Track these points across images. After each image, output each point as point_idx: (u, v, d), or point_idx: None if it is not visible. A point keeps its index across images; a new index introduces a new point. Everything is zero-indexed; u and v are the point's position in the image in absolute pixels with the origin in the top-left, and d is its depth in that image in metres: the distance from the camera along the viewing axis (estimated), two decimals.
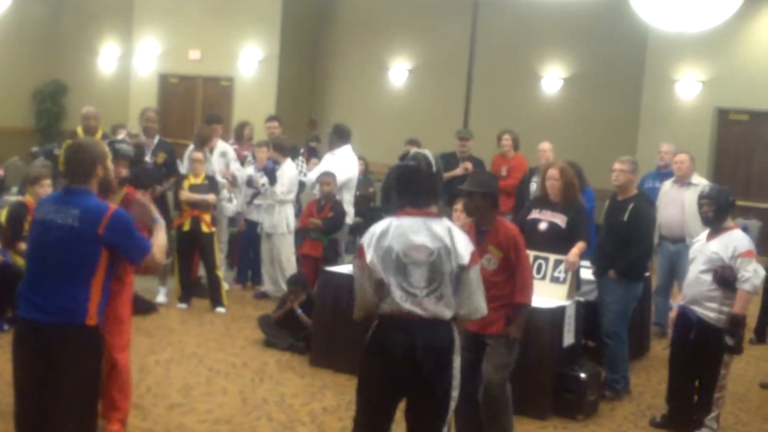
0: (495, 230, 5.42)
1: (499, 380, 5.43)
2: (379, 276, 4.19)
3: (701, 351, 6.08)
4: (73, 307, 4.04)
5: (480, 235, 5.44)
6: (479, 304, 4.27)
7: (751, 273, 5.85)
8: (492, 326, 5.38)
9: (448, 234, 4.20)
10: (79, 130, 9.50)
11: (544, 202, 7.02)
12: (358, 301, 4.34)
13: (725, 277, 5.89)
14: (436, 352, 4.15)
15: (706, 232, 6.18)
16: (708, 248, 6.04)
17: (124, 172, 5.61)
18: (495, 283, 5.32)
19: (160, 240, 4.42)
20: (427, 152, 4.35)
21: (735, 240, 5.97)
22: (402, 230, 4.20)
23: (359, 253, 4.27)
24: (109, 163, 4.32)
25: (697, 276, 6.08)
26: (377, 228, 4.28)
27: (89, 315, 4.07)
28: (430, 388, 4.17)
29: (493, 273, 5.36)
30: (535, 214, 7.01)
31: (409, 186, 4.26)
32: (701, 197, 6.19)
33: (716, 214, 6.05)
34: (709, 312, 6.00)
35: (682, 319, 6.23)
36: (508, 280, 5.42)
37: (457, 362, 4.22)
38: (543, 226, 6.89)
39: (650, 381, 7.43)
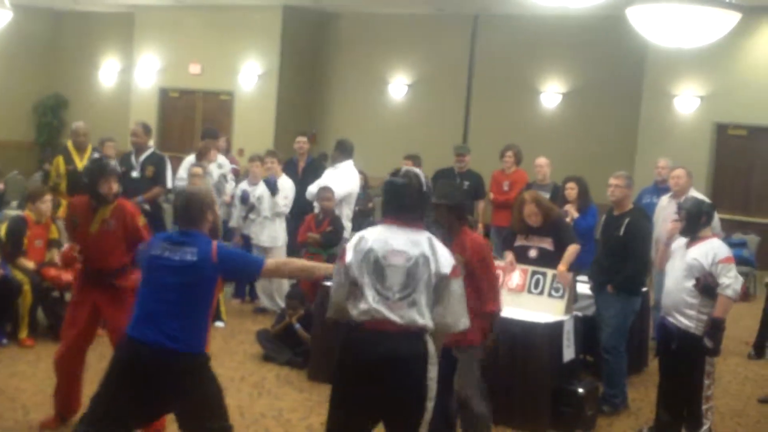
0: (461, 241, 5.41)
1: (473, 394, 5.45)
2: (354, 276, 4.26)
3: (683, 361, 6.10)
4: (194, 337, 4.39)
5: (447, 244, 5.45)
6: (462, 316, 4.32)
7: (732, 279, 5.92)
8: (459, 338, 5.27)
9: (429, 244, 4.28)
10: (70, 145, 9.51)
11: (527, 228, 7.05)
12: (332, 300, 4.43)
13: (708, 285, 5.94)
14: (408, 362, 4.19)
15: (685, 240, 6.23)
16: (688, 255, 6.08)
17: (116, 187, 5.75)
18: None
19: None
20: (419, 171, 4.43)
21: (714, 247, 6.03)
22: (384, 235, 4.30)
23: (341, 254, 4.38)
24: (217, 209, 4.66)
25: (675, 283, 6.12)
26: (362, 232, 4.39)
27: (204, 343, 4.45)
28: (404, 399, 4.21)
29: None
30: (521, 241, 7.07)
31: (397, 201, 4.35)
32: (679, 208, 6.34)
33: (687, 223, 6.14)
34: (687, 320, 6.02)
35: (661, 329, 6.28)
36: (473, 291, 5.34)
37: (432, 372, 4.25)
38: (533, 253, 6.99)
39: (648, 396, 7.42)
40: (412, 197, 4.34)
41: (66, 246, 6.02)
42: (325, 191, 9.30)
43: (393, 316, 4.19)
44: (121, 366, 4.42)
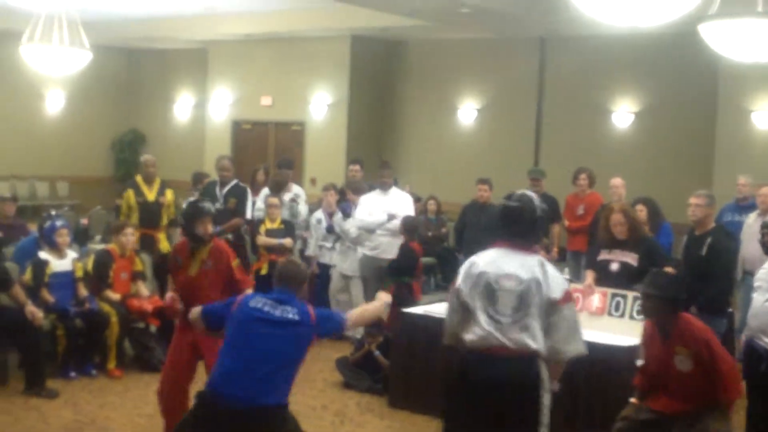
0: (679, 330, 5.19)
1: None
2: (465, 300, 4.29)
3: None
4: (282, 391, 4.50)
5: (663, 336, 5.28)
6: (573, 342, 4.27)
7: None
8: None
9: (541, 268, 4.26)
10: (139, 179, 9.64)
11: (612, 241, 7.02)
12: (445, 326, 4.46)
13: None
14: (521, 387, 4.18)
15: None
16: None
17: (211, 228, 5.92)
18: (694, 383, 5.17)
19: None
20: (533, 195, 4.42)
21: None
22: (496, 258, 4.32)
23: (453, 279, 4.43)
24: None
25: (763, 305, 5.98)
26: (473, 257, 4.41)
27: (288, 394, 4.54)
28: (518, 424, 4.19)
29: (689, 374, 5.17)
30: (605, 255, 7.02)
31: (511, 226, 4.35)
32: (762, 226, 6.19)
33: None
34: None
35: (749, 351, 6.13)
36: (708, 379, 5.16)
37: (546, 399, 4.22)
38: (615, 266, 6.92)
39: (736, 418, 7.25)
40: (525, 221, 4.33)
41: (168, 297, 6.08)
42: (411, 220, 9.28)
43: (505, 340, 4.18)
44: (201, 420, 4.46)
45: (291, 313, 4.57)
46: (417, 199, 13.34)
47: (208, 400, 4.49)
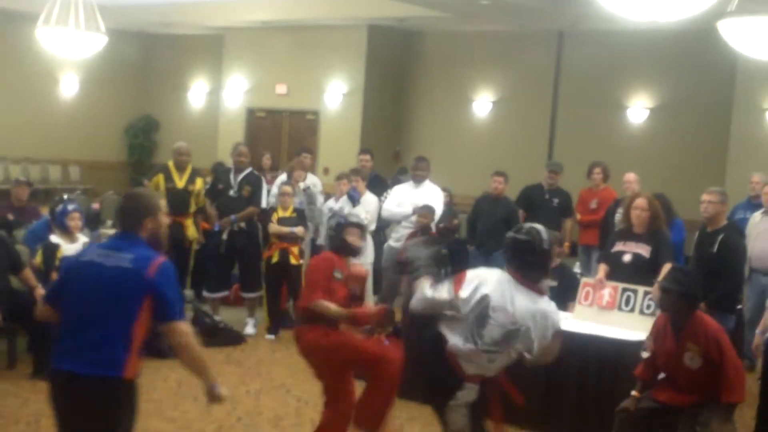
0: (692, 327, 5.22)
1: None
2: (459, 308, 4.33)
3: None
4: (113, 358, 3.78)
5: (676, 331, 5.30)
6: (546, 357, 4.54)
7: None
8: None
9: (542, 315, 4.34)
10: (171, 165, 9.67)
11: (627, 234, 7.00)
12: (426, 302, 4.47)
13: None
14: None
15: None
16: None
17: (359, 241, 6.03)
18: (702, 379, 5.19)
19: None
20: (541, 228, 4.42)
21: None
22: (504, 287, 4.33)
23: (458, 278, 4.39)
24: (162, 217, 4.00)
25: None
26: (489, 273, 4.42)
27: (127, 368, 3.82)
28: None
29: (697, 370, 5.20)
30: (619, 247, 7.00)
31: (521, 259, 4.36)
32: None
33: None
34: None
35: None
36: (716, 378, 5.18)
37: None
38: (627, 258, 6.89)
39: (743, 416, 7.22)
40: (534, 255, 4.35)
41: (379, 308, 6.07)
42: (426, 209, 9.31)
43: (464, 363, 4.29)
44: (52, 398, 3.92)
45: (123, 261, 3.76)
46: None
47: (50, 377, 3.95)
